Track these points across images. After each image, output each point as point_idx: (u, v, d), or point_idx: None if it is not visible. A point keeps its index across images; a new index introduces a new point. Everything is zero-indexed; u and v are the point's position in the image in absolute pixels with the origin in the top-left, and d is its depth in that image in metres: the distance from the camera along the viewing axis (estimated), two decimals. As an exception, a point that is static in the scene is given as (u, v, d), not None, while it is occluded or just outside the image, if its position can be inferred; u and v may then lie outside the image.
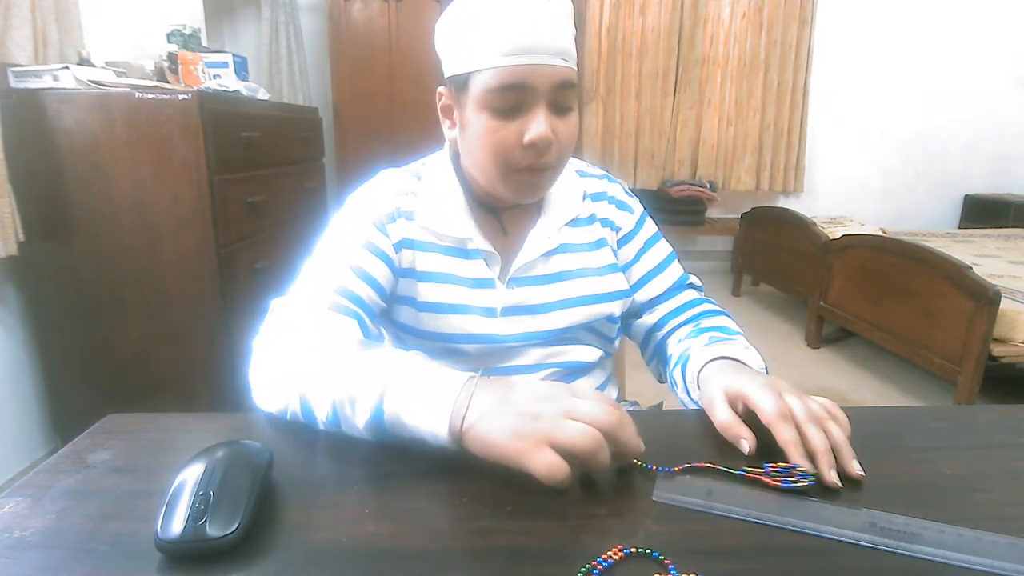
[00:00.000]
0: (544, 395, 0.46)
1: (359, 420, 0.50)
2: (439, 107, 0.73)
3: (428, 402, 0.48)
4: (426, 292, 0.72)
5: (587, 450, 0.43)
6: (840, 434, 0.49)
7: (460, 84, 0.66)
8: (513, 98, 0.62)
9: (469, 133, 0.67)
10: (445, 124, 0.73)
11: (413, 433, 0.48)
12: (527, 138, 0.63)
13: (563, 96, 0.64)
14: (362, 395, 0.50)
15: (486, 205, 0.75)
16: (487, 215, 0.75)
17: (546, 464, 0.42)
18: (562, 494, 0.45)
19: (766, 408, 0.51)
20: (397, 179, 0.75)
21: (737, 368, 0.60)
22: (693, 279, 0.84)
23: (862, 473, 0.47)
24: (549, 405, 0.45)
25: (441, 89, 0.71)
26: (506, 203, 0.74)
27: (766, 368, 0.66)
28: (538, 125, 0.62)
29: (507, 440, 0.44)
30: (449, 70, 0.67)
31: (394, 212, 0.72)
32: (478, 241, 0.72)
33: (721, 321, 0.76)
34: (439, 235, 0.73)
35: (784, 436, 0.49)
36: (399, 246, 0.72)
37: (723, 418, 0.54)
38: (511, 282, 0.74)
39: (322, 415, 0.52)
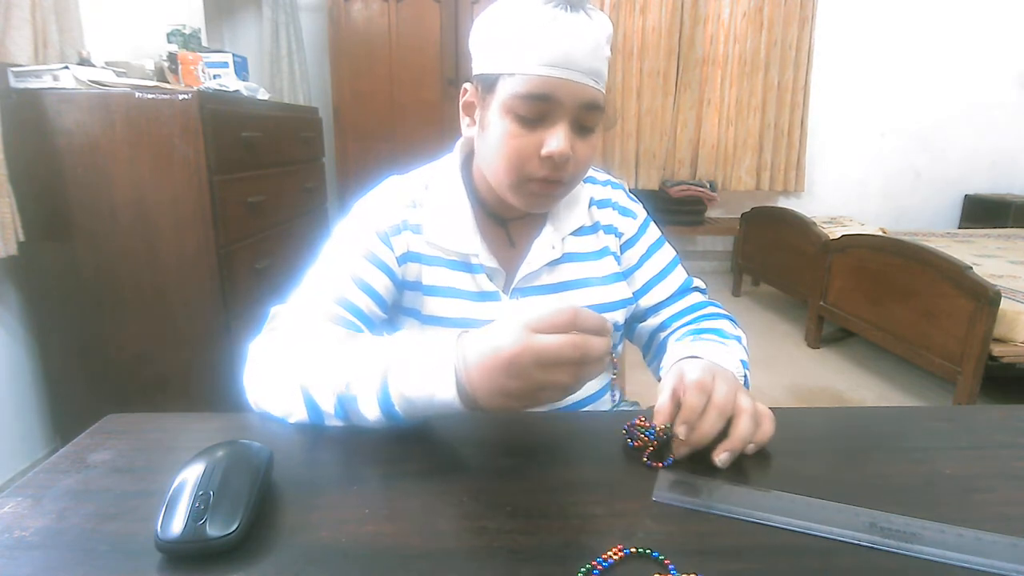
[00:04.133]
0: (510, 355, 0.44)
1: (369, 412, 0.51)
2: (461, 103, 0.72)
3: (432, 376, 0.48)
4: (431, 306, 0.72)
5: (579, 383, 0.46)
6: (744, 430, 0.50)
7: (488, 84, 0.65)
8: (539, 108, 0.62)
9: (488, 134, 0.67)
10: (464, 121, 0.72)
11: (426, 410, 0.49)
12: (545, 150, 0.63)
13: (587, 116, 0.64)
14: (364, 387, 0.50)
15: (493, 215, 0.75)
16: (494, 226, 0.75)
17: (554, 400, 0.47)
18: (561, 492, 0.45)
19: (689, 377, 0.53)
20: (404, 189, 0.74)
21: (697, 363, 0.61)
22: (697, 282, 0.84)
23: (718, 463, 0.49)
24: (520, 365, 0.44)
25: (467, 85, 0.71)
26: (513, 212, 0.74)
27: (746, 377, 0.66)
28: (558, 139, 0.62)
29: (508, 403, 0.46)
30: (479, 68, 0.67)
31: (399, 224, 0.72)
32: (483, 257, 0.72)
33: (719, 324, 0.75)
34: (445, 250, 0.72)
35: (687, 398, 0.51)
36: (403, 259, 0.72)
37: (659, 402, 0.54)
38: (515, 292, 0.73)
39: (329, 410, 0.53)
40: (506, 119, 0.64)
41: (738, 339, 0.73)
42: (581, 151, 0.65)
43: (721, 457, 0.49)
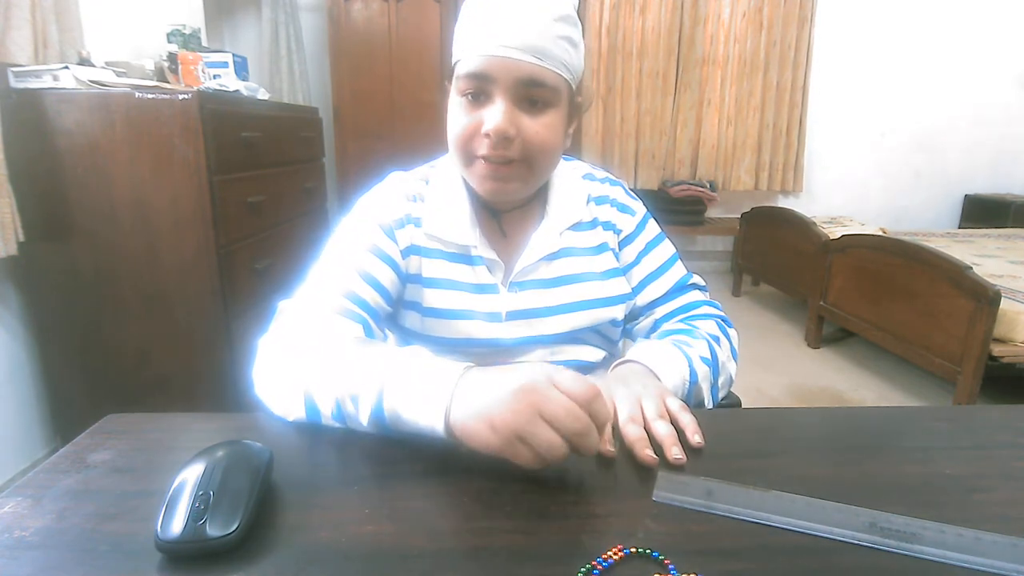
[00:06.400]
0: (522, 387, 0.45)
1: (362, 417, 0.51)
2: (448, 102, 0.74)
3: (424, 399, 0.48)
4: (431, 298, 0.73)
5: (553, 458, 0.44)
6: (689, 420, 0.54)
7: (450, 74, 0.69)
8: (478, 86, 0.64)
9: (448, 118, 0.69)
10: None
11: (413, 429, 0.49)
12: (484, 128, 0.64)
13: (531, 93, 0.64)
14: (363, 393, 0.51)
15: (488, 208, 0.76)
16: (489, 219, 0.76)
17: (521, 459, 0.45)
18: (561, 491, 0.45)
19: (620, 414, 0.55)
20: (406, 184, 0.76)
21: (629, 374, 0.63)
22: (696, 279, 0.84)
23: (700, 442, 0.52)
24: (523, 401, 0.44)
25: (447, 83, 0.73)
26: (505, 204, 0.75)
27: (690, 383, 0.67)
28: (494, 115, 0.63)
29: (486, 434, 0.45)
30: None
31: (403, 218, 0.73)
32: (481, 248, 0.73)
33: (700, 324, 0.76)
34: (444, 242, 0.73)
35: (629, 436, 0.52)
36: (407, 252, 0.73)
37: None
38: (513, 286, 0.74)
39: (327, 412, 0.53)
40: (457, 101, 0.66)
41: (716, 339, 0.73)
42: (530, 129, 0.64)
43: (695, 438, 0.52)
